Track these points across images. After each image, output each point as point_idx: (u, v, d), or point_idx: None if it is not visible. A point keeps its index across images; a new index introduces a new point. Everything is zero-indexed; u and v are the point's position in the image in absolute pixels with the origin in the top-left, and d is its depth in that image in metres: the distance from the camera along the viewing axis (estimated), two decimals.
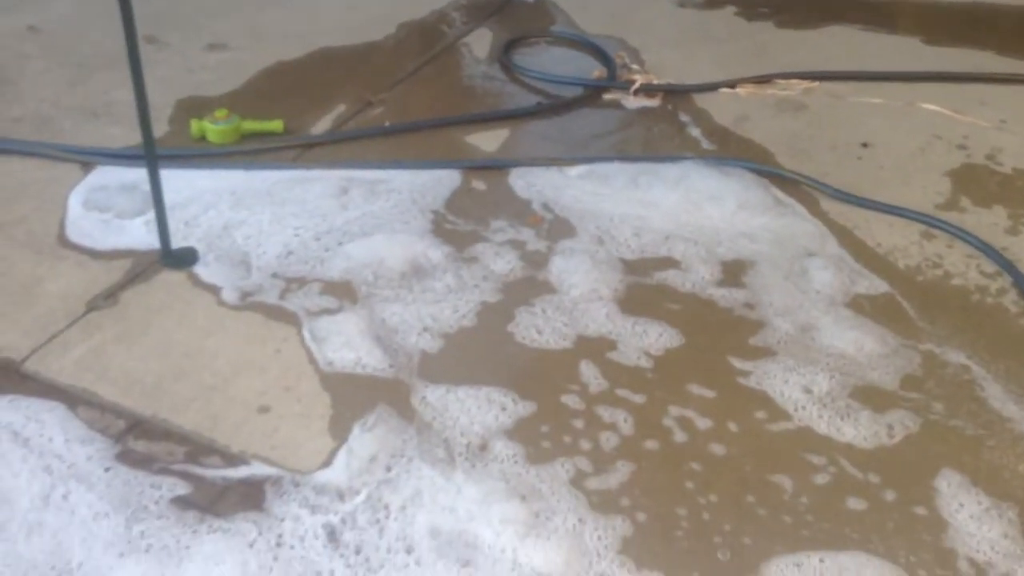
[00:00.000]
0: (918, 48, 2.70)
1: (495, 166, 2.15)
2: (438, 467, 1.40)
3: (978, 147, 2.23)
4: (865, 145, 2.25)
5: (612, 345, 1.63)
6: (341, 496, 1.35)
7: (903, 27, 2.82)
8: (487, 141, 2.25)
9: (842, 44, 2.72)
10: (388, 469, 1.39)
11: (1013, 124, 2.31)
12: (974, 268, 1.85)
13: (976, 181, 2.12)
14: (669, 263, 1.84)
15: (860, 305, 1.74)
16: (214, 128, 2.19)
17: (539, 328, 1.67)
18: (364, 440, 1.44)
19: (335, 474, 1.38)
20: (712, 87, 2.48)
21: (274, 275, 1.77)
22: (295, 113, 2.31)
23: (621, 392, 1.54)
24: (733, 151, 2.21)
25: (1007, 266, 1.83)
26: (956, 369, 1.60)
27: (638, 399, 1.53)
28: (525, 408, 1.50)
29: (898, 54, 2.65)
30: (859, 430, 1.48)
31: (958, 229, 1.93)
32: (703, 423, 1.49)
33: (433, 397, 1.52)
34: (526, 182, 2.08)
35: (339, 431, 1.46)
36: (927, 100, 2.41)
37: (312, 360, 1.59)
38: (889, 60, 2.60)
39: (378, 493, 1.36)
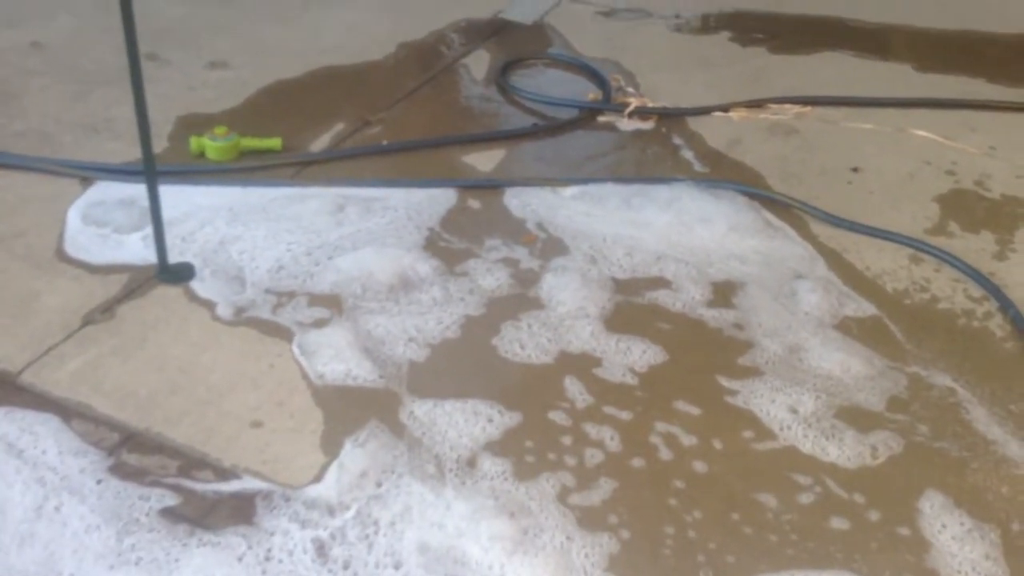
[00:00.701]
0: (909, 75, 2.74)
1: (491, 185, 2.17)
2: (428, 483, 1.41)
3: (967, 173, 2.26)
4: (855, 170, 2.28)
5: (597, 362, 1.65)
6: (331, 511, 1.36)
7: (895, 54, 2.87)
8: (483, 161, 2.28)
9: (835, 70, 2.76)
10: (379, 485, 1.41)
11: (1002, 151, 2.35)
12: (961, 292, 1.87)
13: (964, 207, 2.15)
14: (660, 283, 1.87)
15: (848, 327, 1.76)
16: (213, 145, 2.22)
17: (523, 343, 1.69)
18: (355, 455, 1.45)
19: (326, 489, 1.40)
20: (705, 111, 2.51)
21: (267, 290, 1.79)
22: (294, 131, 2.34)
23: (607, 409, 1.56)
24: (725, 174, 2.24)
25: (994, 291, 1.86)
26: (942, 392, 1.62)
27: (624, 416, 1.54)
28: (511, 422, 1.52)
29: (889, 81, 2.69)
30: (844, 450, 1.49)
31: (946, 254, 1.96)
32: (689, 441, 1.50)
33: (421, 411, 1.54)
34: (521, 202, 2.11)
35: (331, 446, 1.47)
36: (917, 126, 2.44)
37: (304, 375, 1.61)
38: (880, 86, 2.64)
39: (368, 509, 1.37)
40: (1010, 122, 2.49)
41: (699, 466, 1.46)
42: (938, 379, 1.64)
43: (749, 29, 3.01)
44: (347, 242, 1.93)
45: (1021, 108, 2.54)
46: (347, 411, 1.54)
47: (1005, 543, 1.35)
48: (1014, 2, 3.21)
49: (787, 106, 2.55)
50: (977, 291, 1.87)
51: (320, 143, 2.32)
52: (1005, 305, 1.81)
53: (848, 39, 2.94)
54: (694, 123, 2.46)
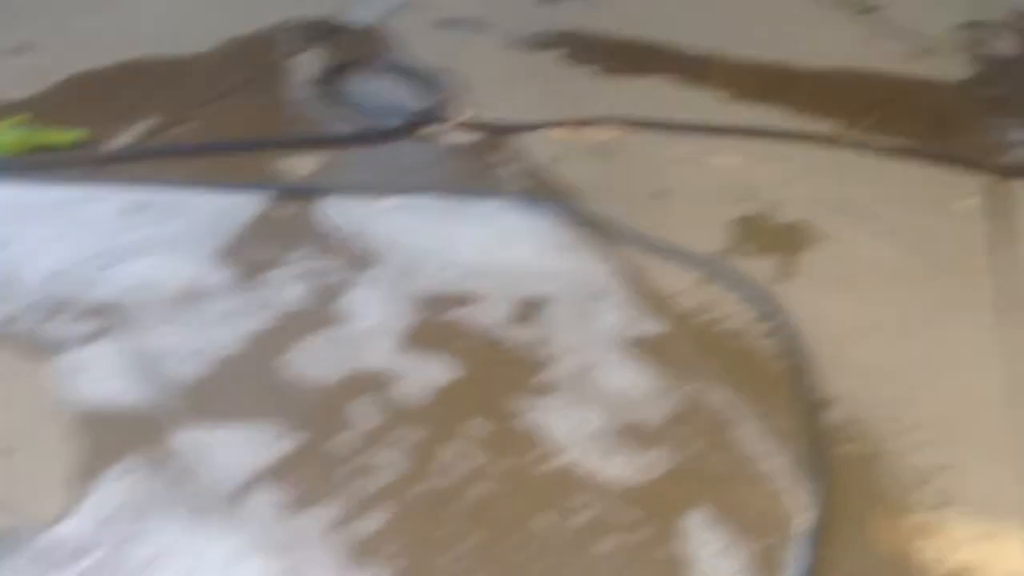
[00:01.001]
0: (725, 103, 2.88)
1: (304, 192, 2.11)
2: (191, 518, 1.34)
3: (766, 199, 2.40)
4: (662, 192, 2.37)
5: (392, 380, 1.63)
6: (79, 551, 1.27)
7: (715, 82, 3.01)
8: (301, 167, 2.21)
9: (659, 94, 2.85)
10: (135, 521, 1.32)
11: (800, 179, 2.51)
12: (743, 313, 1.98)
13: (758, 231, 2.28)
14: (469, 299, 1.87)
15: (639, 346, 1.83)
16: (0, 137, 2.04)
17: (315, 360, 1.64)
18: (112, 489, 1.36)
19: (76, 527, 1.30)
20: (531, 127, 2.54)
21: (37, 299, 1.66)
22: (98, 125, 2.19)
23: (396, 431, 1.54)
24: (544, 191, 2.28)
25: (771, 311, 1.98)
26: (716, 409, 1.71)
27: (412, 437, 1.53)
28: (291, 448, 1.48)
29: (706, 107, 2.81)
30: (622, 469, 1.54)
31: (733, 274, 2.06)
32: (474, 463, 1.51)
33: (192, 437, 1.47)
34: (336, 211, 2.07)
35: (86, 479, 1.38)
36: (726, 152, 2.57)
37: (66, 397, 1.50)
38: (697, 112, 2.76)
39: (121, 548, 1.29)
40: (809, 151, 2.67)
41: (480, 490, 1.47)
42: (715, 397, 1.73)
43: (582, 49, 3.08)
44: (138, 247, 1.82)
45: (821, 139, 2.73)
46: (110, 438, 1.44)
47: (757, 557, 1.43)
48: (824, 37, 3.45)
49: (608, 127, 2.62)
50: (758, 311, 1.99)
51: (124, 140, 2.19)
52: (778, 325, 1.93)
53: (675, 65, 3.04)
54: (518, 139, 2.49)
